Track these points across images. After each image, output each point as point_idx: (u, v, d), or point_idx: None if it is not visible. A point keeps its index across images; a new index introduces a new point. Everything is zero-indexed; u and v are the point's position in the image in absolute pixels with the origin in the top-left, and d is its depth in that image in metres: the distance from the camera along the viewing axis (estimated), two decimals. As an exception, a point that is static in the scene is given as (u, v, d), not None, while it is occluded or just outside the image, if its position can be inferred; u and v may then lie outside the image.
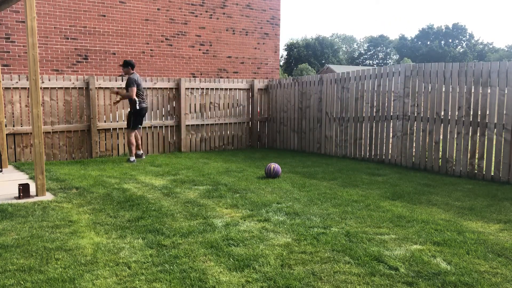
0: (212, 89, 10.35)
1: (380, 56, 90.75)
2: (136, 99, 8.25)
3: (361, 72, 8.86)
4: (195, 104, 10.14)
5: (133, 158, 8.29)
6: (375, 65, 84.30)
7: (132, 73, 8.35)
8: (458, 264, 3.31)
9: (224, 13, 13.55)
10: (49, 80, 8.47)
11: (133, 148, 8.34)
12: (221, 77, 13.47)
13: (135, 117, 8.32)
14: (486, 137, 6.76)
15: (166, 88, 9.78)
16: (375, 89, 8.50)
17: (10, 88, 8.08)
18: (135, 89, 8.23)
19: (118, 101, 8.61)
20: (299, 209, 4.88)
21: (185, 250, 3.59)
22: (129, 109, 8.43)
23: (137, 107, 8.27)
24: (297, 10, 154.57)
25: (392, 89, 8.16)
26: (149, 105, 9.59)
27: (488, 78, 6.72)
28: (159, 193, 5.69)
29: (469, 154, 6.98)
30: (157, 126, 9.71)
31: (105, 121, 9.05)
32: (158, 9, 12.32)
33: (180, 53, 12.81)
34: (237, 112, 10.80)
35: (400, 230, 4.14)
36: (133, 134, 8.35)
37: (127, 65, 8.38)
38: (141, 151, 8.72)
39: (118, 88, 8.87)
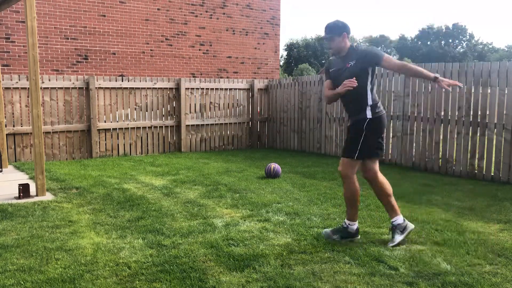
0: (212, 89, 10.35)
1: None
2: (370, 95, 3.82)
3: (361, 72, 8.84)
4: (195, 104, 10.14)
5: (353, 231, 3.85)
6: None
7: (351, 45, 3.85)
8: (458, 264, 3.31)
9: (224, 13, 13.54)
10: (49, 80, 8.48)
11: (354, 208, 3.88)
12: (221, 77, 13.46)
13: (372, 134, 3.81)
14: (486, 137, 6.76)
15: (166, 88, 9.78)
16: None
17: (10, 88, 8.08)
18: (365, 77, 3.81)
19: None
20: (299, 209, 4.88)
21: (185, 250, 3.59)
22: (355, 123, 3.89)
23: (373, 113, 3.81)
24: (297, 10, 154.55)
25: (392, 89, 8.16)
26: (149, 105, 9.59)
27: (488, 78, 6.72)
28: (159, 193, 5.69)
29: (469, 154, 6.98)
30: (157, 126, 9.71)
31: (105, 121, 9.05)
32: (158, 9, 12.32)
33: (180, 53, 12.81)
34: (237, 112, 10.80)
35: (400, 230, 4.13)
36: (354, 173, 3.83)
37: (341, 30, 3.77)
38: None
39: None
